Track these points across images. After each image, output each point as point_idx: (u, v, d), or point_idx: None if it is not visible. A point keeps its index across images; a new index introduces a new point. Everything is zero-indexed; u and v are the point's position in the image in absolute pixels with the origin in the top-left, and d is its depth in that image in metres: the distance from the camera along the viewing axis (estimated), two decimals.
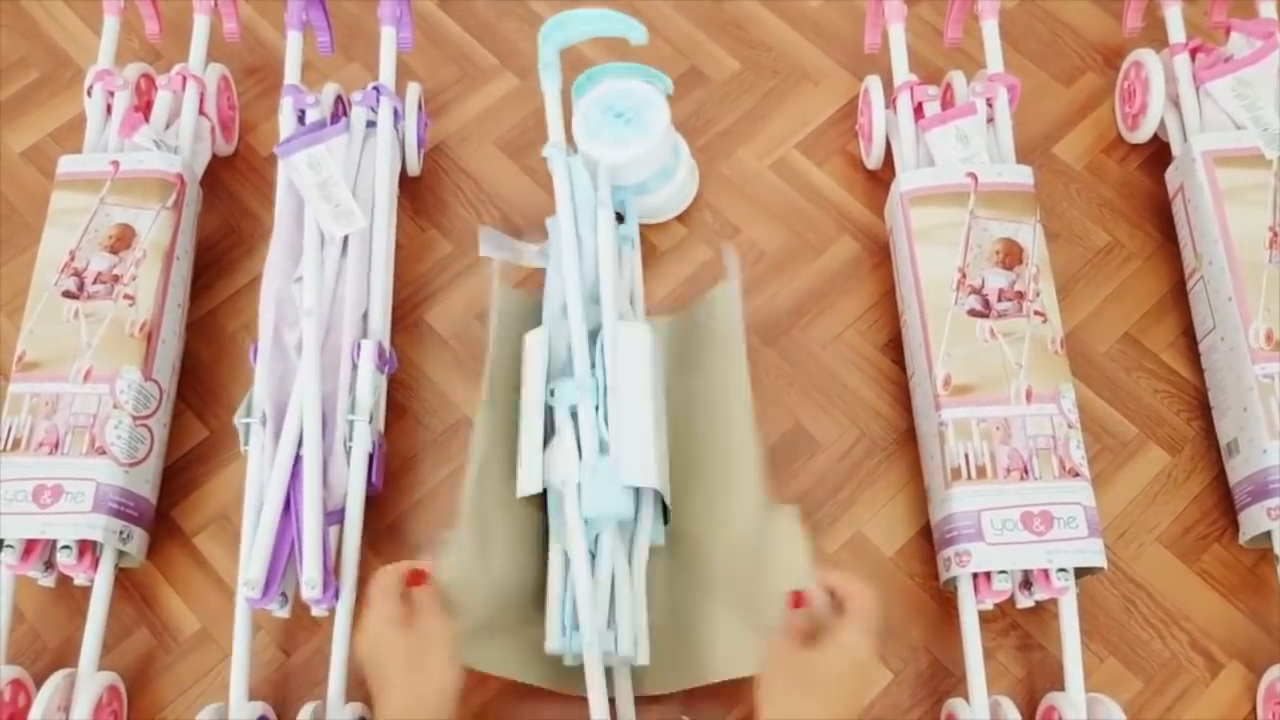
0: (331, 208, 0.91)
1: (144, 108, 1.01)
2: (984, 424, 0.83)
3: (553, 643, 0.77)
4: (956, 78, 1.00)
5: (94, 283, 0.90)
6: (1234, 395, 0.87)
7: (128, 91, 0.99)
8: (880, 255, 1.00)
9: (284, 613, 0.84)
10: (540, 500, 0.83)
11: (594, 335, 0.85)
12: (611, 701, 0.76)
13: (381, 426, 0.90)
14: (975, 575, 0.81)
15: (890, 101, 1.00)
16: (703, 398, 0.86)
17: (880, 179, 1.03)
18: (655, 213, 1.01)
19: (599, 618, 0.76)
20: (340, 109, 1.01)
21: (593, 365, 0.83)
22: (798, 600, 0.65)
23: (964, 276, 0.88)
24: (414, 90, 1.03)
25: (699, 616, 0.80)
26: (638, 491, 0.81)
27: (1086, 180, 1.03)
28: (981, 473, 0.81)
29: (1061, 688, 0.79)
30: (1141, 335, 0.96)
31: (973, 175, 0.91)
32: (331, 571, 0.80)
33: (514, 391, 0.85)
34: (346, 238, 0.91)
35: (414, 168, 1.04)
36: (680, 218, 1.02)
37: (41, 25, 1.16)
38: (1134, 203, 1.02)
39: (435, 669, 0.66)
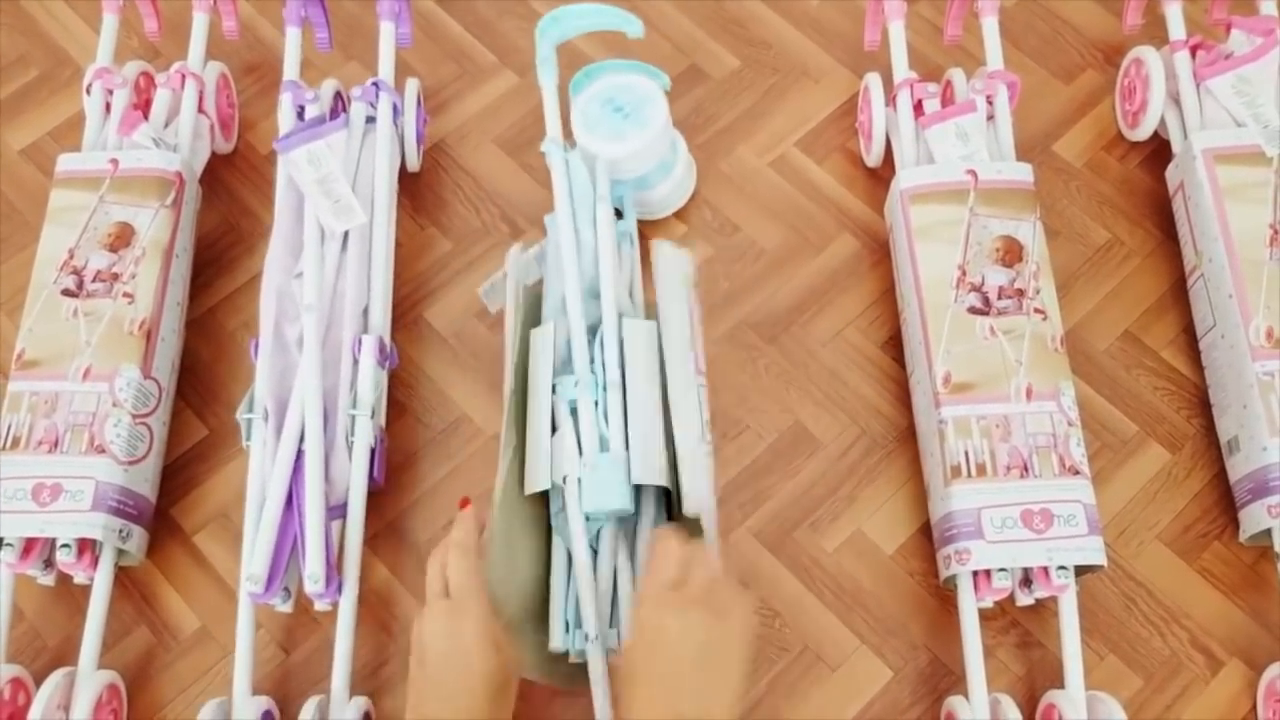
0: (331, 203, 0.91)
1: (143, 106, 1.01)
2: (984, 421, 0.83)
3: (556, 641, 0.77)
4: (956, 75, 1.00)
5: (93, 281, 0.90)
6: (1234, 393, 0.87)
7: (127, 90, 0.98)
8: (880, 253, 1.00)
9: (286, 608, 0.84)
10: (547, 498, 0.83)
11: (593, 331, 0.85)
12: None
13: (383, 422, 0.90)
14: (975, 573, 0.81)
15: (890, 99, 1.00)
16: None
17: (880, 176, 1.03)
18: (654, 209, 1.01)
19: (601, 615, 0.76)
20: (339, 105, 1.01)
21: (591, 361, 0.83)
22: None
23: (964, 274, 0.88)
24: (413, 85, 1.03)
25: None
26: (638, 487, 0.81)
27: (1086, 178, 1.03)
28: (981, 470, 0.81)
29: (1061, 685, 0.79)
30: (1142, 333, 0.96)
31: (972, 173, 0.91)
32: (334, 566, 0.80)
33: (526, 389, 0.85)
34: (346, 233, 0.91)
35: (413, 163, 1.04)
36: (680, 215, 1.02)
37: (41, 23, 1.16)
38: (1134, 200, 1.02)
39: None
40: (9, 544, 0.81)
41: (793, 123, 1.07)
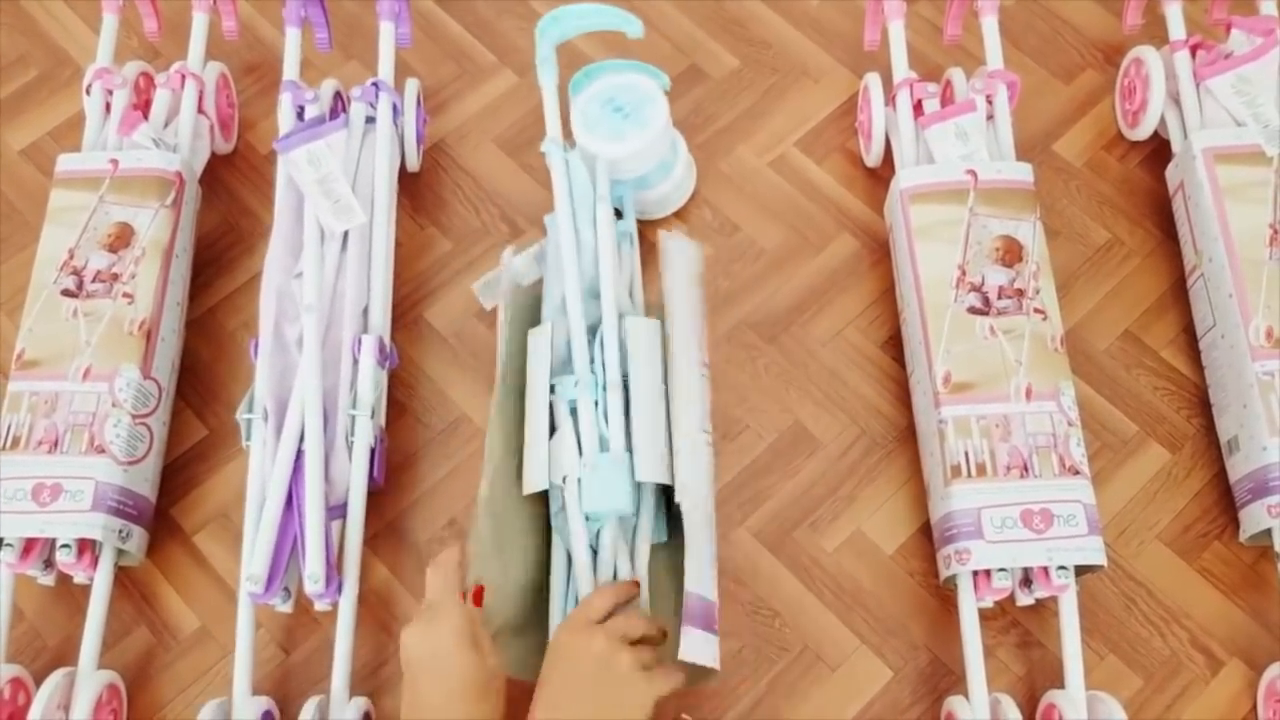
0: (331, 203, 0.91)
1: (143, 106, 1.01)
2: (984, 421, 0.83)
3: None
4: (956, 75, 1.00)
5: (93, 281, 0.90)
6: (1234, 392, 0.87)
7: (126, 90, 0.99)
8: (880, 253, 1.00)
9: (286, 608, 0.84)
10: (546, 498, 0.83)
11: (592, 331, 0.85)
12: None
13: (383, 422, 0.90)
14: (975, 573, 0.80)
15: (890, 99, 1.00)
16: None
17: (880, 176, 1.03)
18: (653, 209, 1.01)
19: None
20: (339, 105, 1.01)
21: (591, 361, 0.83)
22: None
23: (964, 274, 0.88)
24: (412, 85, 1.03)
25: None
26: (639, 487, 0.81)
27: (1086, 177, 1.03)
28: (981, 470, 0.81)
29: (1061, 685, 0.79)
30: (1141, 332, 0.96)
31: (972, 172, 0.91)
32: (334, 566, 0.80)
33: (523, 390, 0.85)
34: (346, 233, 0.91)
35: (413, 163, 1.04)
36: (680, 215, 1.02)
37: (40, 23, 1.16)
38: (1134, 200, 1.02)
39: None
40: (9, 544, 0.81)
41: (792, 122, 1.07)
